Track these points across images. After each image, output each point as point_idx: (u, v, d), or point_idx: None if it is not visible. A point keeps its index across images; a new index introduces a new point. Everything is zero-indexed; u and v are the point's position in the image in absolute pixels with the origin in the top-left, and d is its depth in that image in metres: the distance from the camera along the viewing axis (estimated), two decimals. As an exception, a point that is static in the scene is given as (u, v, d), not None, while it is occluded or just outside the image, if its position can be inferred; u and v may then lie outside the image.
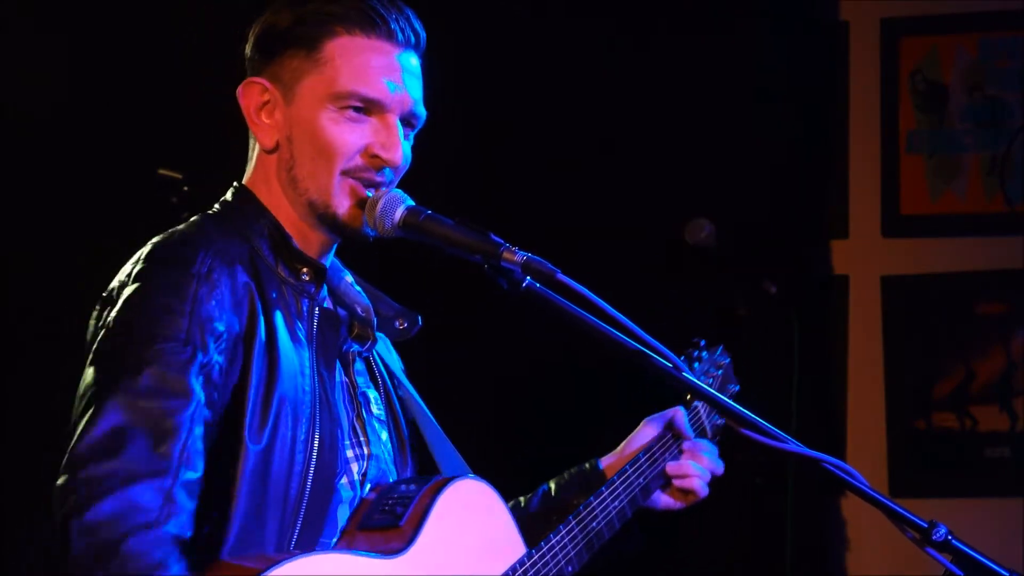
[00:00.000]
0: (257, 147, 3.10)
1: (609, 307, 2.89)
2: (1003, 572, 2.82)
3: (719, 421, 3.62)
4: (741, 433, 2.95)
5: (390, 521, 3.00)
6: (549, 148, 5.60)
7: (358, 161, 3.05)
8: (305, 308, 3.03)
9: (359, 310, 3.18)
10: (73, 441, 2.74)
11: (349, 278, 3.22)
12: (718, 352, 3.73)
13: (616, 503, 3.36)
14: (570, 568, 3.23)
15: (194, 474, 2.78)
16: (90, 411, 2.75)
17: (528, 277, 2.91)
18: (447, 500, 3.03)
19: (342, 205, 3.05)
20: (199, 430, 2.79)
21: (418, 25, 3.10)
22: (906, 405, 5.85)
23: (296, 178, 3.04)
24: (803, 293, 5.65)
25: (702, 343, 3.67)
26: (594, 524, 3.30)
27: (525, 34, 5.60)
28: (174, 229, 3.02)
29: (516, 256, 2.91)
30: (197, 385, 2.80)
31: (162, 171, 4.65)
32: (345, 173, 3.04)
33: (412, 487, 3.06)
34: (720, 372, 3.69)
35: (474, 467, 3.27)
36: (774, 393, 5.30)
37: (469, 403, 5.14)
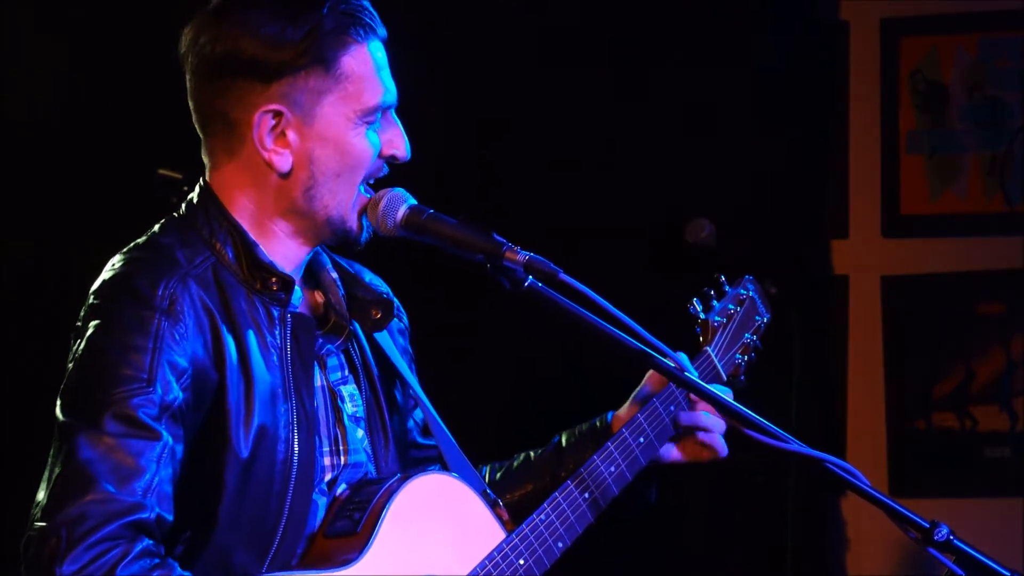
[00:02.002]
0: (242, 162, 3.03)
1: (611, 306, 2.89)
2: (1004, 572, 2.82)
3: (738, 358, 3.51)
4: (743, 432, 2.95)
5: (349, 527, 2.99)
6: (549, 147, 5.59)
7: (375, 164, 3.06)
8: (276, 316, 3.00)
9: (332, 299, 3.15)
10: (48, 486, 2.77)
11: (327, 262, 3.19)
12: (741, 285, 3.57)
13: (612, 468, 3.27)
14: (560, 544, 3.17)
15: (162, 513, 2.79)
16: (60, 455, 2.78)
17: (530, 277, 2.92)
18: (404, 500, 3.01)
19: (354, 218, 3.05)
20: (167, 472, 2.80)
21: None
22: (906, 405, 5.85)
23: (314, 197, 3.02)
24: (803, 293, 5.65)
25: (722, 279, 3.54)
26: (586, 495, 3.23)
27: (524, 32, 5.60)
28: (136, 247, 2.99)
29: (518, 256, 2.91)
30: (162, 427, 2.80)
31: (162, 171, 4.64)
32: (361, 182, 3.04)
33: (371, 489, 3.04)
34: (740, 308, 3.54)
35: (475, 460, 3.27)
36: (774, 393, 5.30)
37: (470, 399, 5.15)
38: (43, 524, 2.72)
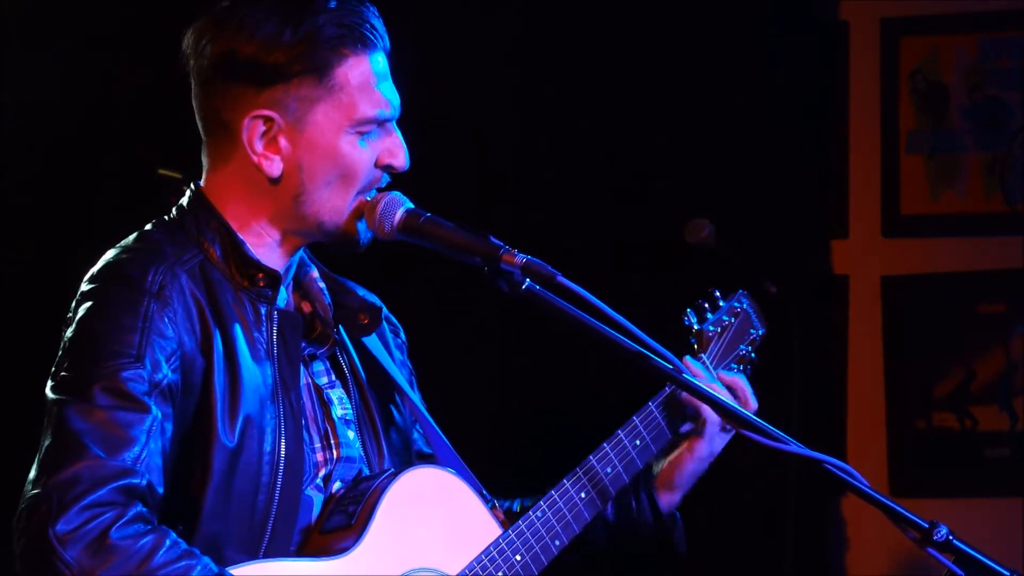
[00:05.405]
0: (236, 166, 3.05)
1: (609, 309, 2.90)
2: (1004, 572, 2.83)
3: (734, 367, 3.52)
4: (742, 434, 2.95)
5: (344, 521, 3.02)
6: (549, 147, 5.59)
7: (371, 174, 3.07)
8: (263, 313, 3.03)
9: (319, 309, 3.17)
10: (38, 459, 2.80)
11: (315, 272, 3.21)
12: (734, 298, 3.58)
13: (609, 469, 3.28)
14: (558, 542, 3.19)
15: (152, 482, 2.81)
16: (49, 429, 2.81)
17: (528, 279, 2.92)
18: (397, 493, 3.03)
19: (351, 224, 3.06)
20: (156, 445, 2.83)
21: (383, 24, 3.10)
22: (906, 405, 5.85)
23: (305, 203, 3.03)
24: (803, 293, 5.65)
25: (716, 292, 3.56)
26: (583, 494, 3.24)
27: (522, 32, 5.60)
28: (127, 242, 3.03)
29: (516, 259, 2.92)
30: (151, 401, 2.84)
31: (162, 171, 4.65)
32: (359, 191, 3.05)
33: (365, 484, 3.06)
34: (735, 320, 3.55)
35: (473, 461, 3.27)
36: (774, 393, 5.29)
37: (467, 400, 5.15)
38: (35, 492, 2.75)
